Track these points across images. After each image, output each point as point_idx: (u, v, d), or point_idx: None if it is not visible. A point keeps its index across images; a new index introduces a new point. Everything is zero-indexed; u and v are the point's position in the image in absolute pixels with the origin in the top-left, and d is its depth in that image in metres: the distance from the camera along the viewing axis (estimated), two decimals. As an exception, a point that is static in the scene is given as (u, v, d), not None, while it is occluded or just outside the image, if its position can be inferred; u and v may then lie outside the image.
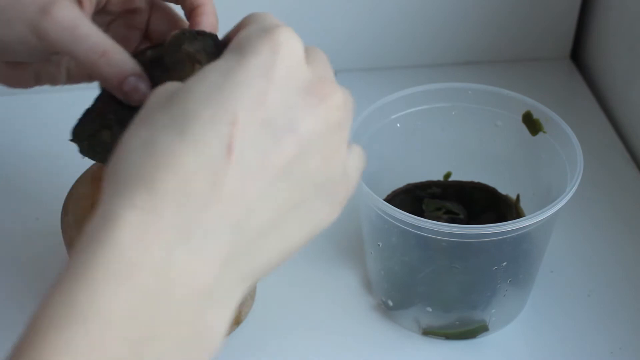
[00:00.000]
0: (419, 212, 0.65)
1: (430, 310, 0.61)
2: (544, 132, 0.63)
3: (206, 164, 0.34)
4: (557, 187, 0.60)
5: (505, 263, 0.58)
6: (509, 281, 0.60)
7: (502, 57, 0.90)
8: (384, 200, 0.59)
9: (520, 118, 0.65)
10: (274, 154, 0.36)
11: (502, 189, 0.68)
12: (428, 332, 0.63)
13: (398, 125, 0.66)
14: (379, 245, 0.61)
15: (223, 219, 0.34)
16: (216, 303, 0.35)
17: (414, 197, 0.68)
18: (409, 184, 0.69)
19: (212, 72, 0.37)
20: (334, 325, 0.64)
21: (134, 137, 0.36)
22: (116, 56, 0.46)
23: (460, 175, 0.70)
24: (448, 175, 0.70)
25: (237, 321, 0.63)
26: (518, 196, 0.67)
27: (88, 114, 0.50)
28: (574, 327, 0.63)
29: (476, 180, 0.69)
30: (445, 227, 0.55)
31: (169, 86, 0.38)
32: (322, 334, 0.63)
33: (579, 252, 0.69)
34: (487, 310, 0.61)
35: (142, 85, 0.46)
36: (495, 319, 0.62)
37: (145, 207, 0.33)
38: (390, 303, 0.63)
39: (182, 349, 0.34)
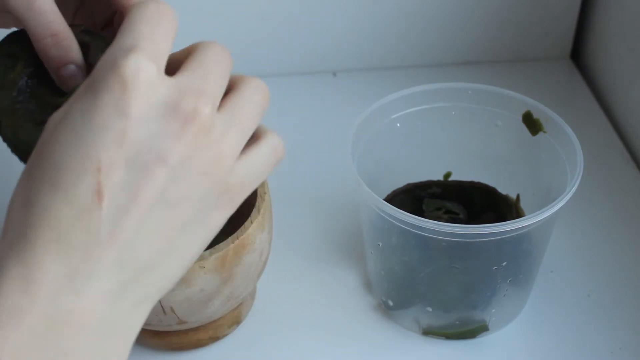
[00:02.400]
0: (419, 212, 0.65)
1: (430, 310, 0.61)
2: (544, 132, 0.63)
3: (80, 214, 0.36)
4: (557, 187, 0.60)
5: (505, 263, 0.58)
6: (509, 281, 0.60)
7: (502, 57, 0.90)
8: (384, 200, 0.59)
9: (520, 118, 0.65)
10: (144, 187, 0.36)
11: (502, 189, 0.68)
12: (428, 332, 0.63)
13: (398, 125, 0.66)
14: (379, 245, 0.61)
15: (103, 261, 0.36)
16: (114, 331, 0.37)
17: (414, 197, 0.68)
18: (409, 184, 0.69)
19: (71, 116, 0.37)
20: (334, 325, 0.64)
21: (18, 195, 0.38)
22: (65, 41, 0.46)
23: (460, 175, 0.70)
24: (448, 175, 0.70)
25: (237, 321, 0.63)
26: (518, 196, 0.67)
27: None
28: (574, 327, 0.63)
29: (476, 180, 0.69)
30: (445, 227, 0.55)
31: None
32: (322, 334, 0.63)
33: (579, 252, 0.69)
34: (487, 310, 0.61)
35: (79, 76, 0.47)
36: (495, 319, 0.62)
37: (29, 263, 0.36)
38: (390, 303, 0.63)
39: None
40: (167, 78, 0.38)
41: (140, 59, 0.36)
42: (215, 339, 0.62)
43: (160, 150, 0.36)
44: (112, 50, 0.37)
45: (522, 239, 0.58)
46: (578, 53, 0.91)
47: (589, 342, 0.62)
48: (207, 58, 0.40)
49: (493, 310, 0.61)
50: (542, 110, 0.63)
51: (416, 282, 0.61)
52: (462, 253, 0.58)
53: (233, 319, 0.63)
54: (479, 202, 0.68)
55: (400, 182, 0.69)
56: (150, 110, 0.36)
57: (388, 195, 0.68)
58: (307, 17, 0.86)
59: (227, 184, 0.39)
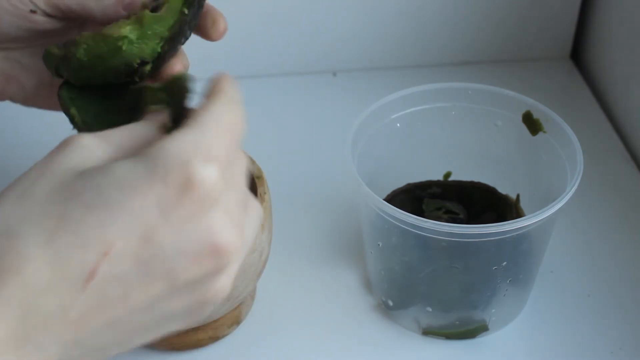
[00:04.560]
0: (419, 212, 0.65)
1: (430, 310, 0.61)
2: (544, 132, 0.63)
3: (60, 285, 0.33)
4: (557, 187, 0.60)
5: (505, 263, 0.58)
6: (509, 281, 0.60)
7: (502, 57, 0.90)
8: (384, 200, 0.59)
9: (520, 118, 0.65)
10: (138, 292, 0.34)
11: (502, 189, 0.68)
12: (428, 332, 0.63)
13: (398, 125, 0.66)
14: (379, 245, 0.61)
15: (61, 338, 0.34)
16: None
17: (414, 197, 0.68)
18: (409, 184, 0.69)
19: (113, 176, 0.34)
20: (334, 325, 0.64)
21: (5, 213, 0.34)
22: None
23: (460, 175, 0.70)
24: (448, 175, 0.70)
25: (237, 321, 0.63)
26: (518, 196, 0.67)
27: None
28: (574, 327, 0.63)
29: (476, 180, 0.69)
30: (445, 227, 0.55)
31: (79, 165, 0.35)
32: (322, 334, 0.63)
33: (579, 252, 0.69)
34: (487, 310, 0.61)
35: None
36: (495, 319, 0.62)
37: None
38: (390, 303, 0.63)
39: None
40: (225, 214, 0.35)
41: (215, 179, 0.34)
42: (215, 339, 0.62)
43: (175, 268, 0.34)
44: (185, 143, 0.35)
45: (522, 239, 0.58)
46: (578, 53, 0.91)
47: (589, 342, 0.62)
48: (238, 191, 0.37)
49: (493, 310, 0.61)
50: (542, 110, 0.63)
51: (416, 282, 0.61)
52: (462, 253, 0.58)
53: (233, 319, 0.63)
54: (479, 202, 0.68)
55: (400, 182, 0.69)
56: (189, 225, 0.34)
57: (388, 195, 0.68)
58: (306, 17, 0.86)
59: (207, 306, 0.38)
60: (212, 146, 0.35)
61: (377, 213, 0.58)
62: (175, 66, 0.51)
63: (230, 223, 0.35)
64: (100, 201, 0.33)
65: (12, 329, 0.32)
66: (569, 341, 0.62)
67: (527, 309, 0.64)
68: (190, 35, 0.52)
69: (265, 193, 0.58)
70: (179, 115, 0.41)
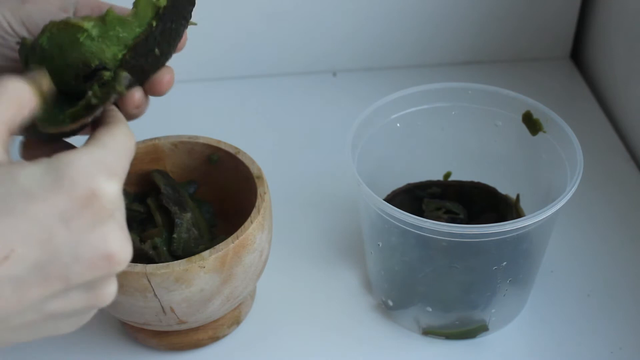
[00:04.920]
0: (419, 212, 0.65)
1: (430, 310, 0.61)
2: (544, 132, 0.63)
3: None
4: (557, 187, 0.60)
5: (505, 263, 0.58)
6: (509, 281, 0.60)
7: (502, 57, 0.90)
8: (384, 200, 0.59)
9: (520, 118, 0.65)
10: (32, 291, 0.36)
11: (502, 189, 0.68)
12: (428, 332, 0.63)
13: (398, 125, 0.66)
14: (379, 245, 0.61)
15: None
16: None
17: (414, 197, 0.68)
18: (409, 184, 0.69)
19: (20, 181, 0.35)
20: (334, 325, 0.64)
21: None
22: None
23: (460, 175, 0.70)
24: (448, 175, 0.70)
25: (237, 321, 0.63)
26: (518, 196, 0.67)
27: None
28: (574, 327, 0.63)
29: (476, 180, 0.69)
30: (445, 227, 0.55)
31: None
32: (322, 334, 0.63)
33: (579, 252, 0.69)
34: (487, 310, 0.61)
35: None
36: (495, 319, 0.62)
37: None
38: (390, 303, 0.63)
39: None
40: (119, 227, 0.38)
41: (116, 194, 0.37)
42: (215, 339, 0.62)
43: (70, 272, 0.36)
44: (91, 158, 0.37)
45: (522, 239, 0.58)
46: (578, 53, 0.91)
47: (589, 342, 0.62)
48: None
49: (493, 310, 0.61)
50: (542, 110, 0.63)
51: (416, 282, 0.61)
52: (462, 253, 0.58)
53: (233, 319, 0.63)
54: (479, 202, 0.68)
55: (400, 182, 0.69)
56: (93, 237, 0.37)
57: (388, 195, 0.68)
58: (307, 17, 0.86)
59: (100, 307, 0.40)
60: (115, 164, 0.38)
61: (377, 213, 0.58)
62: (164, 75, 0.50)
63: (124, 236, 0.38)
64: (4, 208, 0.35)
65: None
66: (569, 341, 0.62)
67: (527, 309, 0.64)
68: (165, 55, 0.49)
69: (265, 193, 0.58)
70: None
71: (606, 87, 0.85)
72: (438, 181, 0.70)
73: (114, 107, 0.46)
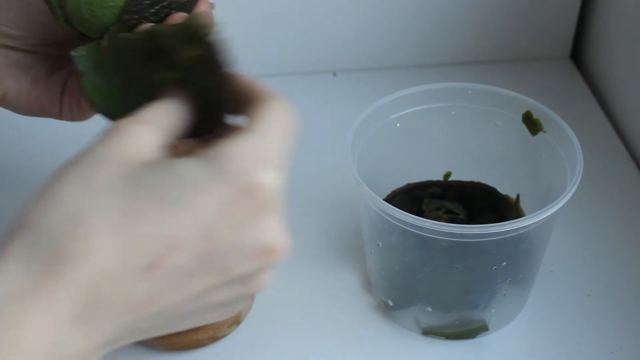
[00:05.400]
0: (419, 212, 0.65)
1: (430, 310, 0.61)
2: (544, 132, 0.63)
3: (125, 274, 0.35)
4: (557, 187, 0.60)
5: (505, 263, 0.58)
6: (509, 281, 0.60)
7: (502, 57, 0.90)
8: (384, 200, 0.59)
9: (520, 118, 0.65)
10: (195, 283, 0.36)
11: (502, 189, 0.68)
12: (428, 332, 0.63)
13: (398, 125, 0.66)
14: (379, 245, 0.61)
15: (118, 322, 0.36)
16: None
17: (414, 197, 0.68)
18: (409, 184, 0.69)
19: (181, 173, 0.36)
20: (334, 325, 0.64)
21: (72, 198, 0.35)
22: None
23: (460, 175, 0.70)
24: (448, 175, 0.70)
25: (237, 321, 0.63)
26: (518, 196, 0.67)
27: None
28: (574, 327, 0.63)
29: (476, 180, 0.69)
30: (445, 227, 0.55)
31: (137, 155, 0.37)
32: (322, 334, 0.63)
33: (579, 252, 0.69)
34: (487, 310, 0.61)
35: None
36: (495, 319, 0.62)
37: (49, 290, 0.34)
38: (390, 303, 0.63)
39: None
40: (278, 218, 0.39)
41: (274, 184, 0.38)
42: (215, 339, 0.62)
43: (230, 264, 0.37)
44: (249, 149, 0.37)
45: (522, 239, 0.58)
46: (578, 53, 0.91)
47: (589, 342, 0.62)
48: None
49: (493, 310, 0.61)
50: (542, 110, 0.63)
51: (416, 282, 0.61)
52: (462, 253, 0.58)
53: (233, 319, 0.63)
54: (479, 202, 0.68)
55: (400, 182, 0.69)
56: (252, 228, 0.37)
57: (388, 195, 0.68)
58: (307, 17, 0.86)
59: (243, 301, 0.40)
60: (273, 153, 0.38)
61: (377, 213, 0.58)
62: (199, 6, 0.50)
63: (283, 227, 0.39)
64: (168, 198, 0.35)
65: (76, 311, 0.34)
66: (569, 341, 0.62)
67: (527, 309, 0.64)
68: None
69: (265, 193, 0.58)
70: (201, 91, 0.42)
71: (606, 87, 0.85)
72: (438, 181, 0.70)
73: (256, 81, 0.44)
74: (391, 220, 0.57)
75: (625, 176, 0.76)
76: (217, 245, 0.36)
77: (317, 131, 0.82)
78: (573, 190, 0.57)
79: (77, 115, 0.55)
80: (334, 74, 0.89)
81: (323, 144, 0.80)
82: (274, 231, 0.38)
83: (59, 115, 0.55)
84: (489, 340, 0.63)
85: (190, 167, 0.36)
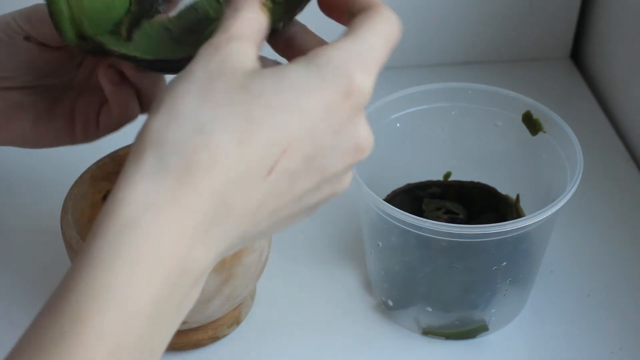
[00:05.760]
0: (419, 212, 0.65)
1: (430, 310, 0.61)
2: (544, 132, 0.63)
3: (247, 179, 0.37)
4: (557, 187, 0.60)
5: (505, 263, 0.58)
6: (509, 281, 0.60)
7: (502, 57, 0.90)
8: (384, 200, 0.59)
9: (520, 118, 0.65)
10: (299, 184, 0.38)
11: (502, 189, 0.68)
12: (428, 332, 0.63)
13: (398, 125, 0.66)
14: (379, 245, 0.61)
15: (238, 227, 0.38)
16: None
17: (414, 197, 0.68)
18: (409, 184, 0.69)
19: (289, 78, 0.38)
20: (334, 325, 0.64)
21: (193, 112, 0.37)
22: None
23: (460, 175, 0.70)
24: (448, 175, 0.70)
25: (237, 321, 0.63)
26: (518, 196, 0.67)
27: None
28: (573, 327, 0.63)
29: (476, 180, 0.69)
30: (445, 227, 0.55)
31: (243, 66, 0.38)
32: (322, 334, 0.63)
33: (579, 252, 0.69)
34: (487, 310, 0.61)
35: None
36: (495, 319, 0.62)
37: (183, 200, 0.36)
38: (390, 303, 0.63)
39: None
40: (365, 118, 0.40)
41: (370, 88, 0.40)
42: (215, 339, 0.62)
43: (328, 163, 0.39)
44: (349, 53, 0.39)
45: (522, 239, 0.58)
46: (578, 53, 0.91)
47: (589, 342, 0.62)
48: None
49: (493, 310, 0.61)
50: (542, 110, 0.63)
51: (416, 282, 0.61)
52: (462, 253, 0.58)
53: (233, 319, 0.63)
54: (479, 202, 0.68)
55: (400, 182, 0.69)
56: (349, 128, 0.39)
57: (388, 195, 0.68)
58: (306, 17, 0.86)
59: (337, 195, 0.42)
60: (372, 58, 0.40)
61: (377, 213, 0.58)
62: None
63: (369, 127, 0.40)
64: (279, 103, 0.37)
65: (207, 217, 0.36)
66: (569, 341, 0.62)
67: (527, 309, 0.64)
68: None
69: (265, 193, 0.58)
70: None
71: (606, 87, 0.85)
72: (438, 181, 0.70)
73: None
74: (391, 220, 0.57)
75: (625, 176, 0.76)
76: (321, 146, 0.38)
77: (317, 131, 0.82)
78: (573, 190, 0.57)
79: (92, 134, 0.55)
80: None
81: (323, 144, 0.80)
82: (365, 130, 0.40)
83: (73, 140, 0.55)
84: (489, 340, 0.63)
85: (297, 72, 0.38)
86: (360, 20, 0.41)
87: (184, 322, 0.57)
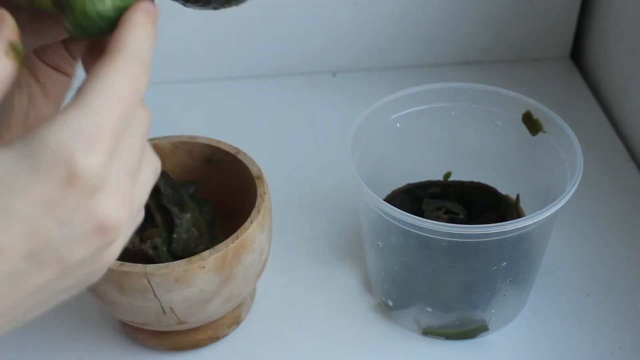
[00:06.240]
0: (419, 212, 0.65)
1: (430, 310, 0.61)
2: (544, 132, 0.63)
3: None
4: (557, 187, 0.60)
5: (505, 263, 0.58)
6: (509, 281, 0.60)
7: (502, 57, 0.90)
8: (384, 200, 0.59)
9: (520, 118, 0.65)
10: (29, 281, 0.34)
11: (502, 189, 0.68)
12: (428, 332, 0.63)
13: (398, 125, 0.66)
14: (379, 245, 0.61)
15: None
16: None
17: (414, 197, 0.68)
18: (409, 184, 0.69)
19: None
20: (334, 325, 0.64)
21: None
22: None
23: (460, 175, 0.70)
24: (448, 175, 0.70)
25: (237, 321, 0.63)
26: (518, 196, 0.67)
27: None
28: (573, 327, 0.63)
29: (476, 180, 0.69)
30: (445, 227, 0.55)
31: None
32: (322, 334, 0.63)
33: (579, 252, 0.69)
34: (487, 310, 0.61)
35: None
36: (495, 319, 0.62)
37: None
38: (390, 303, 0.63)
39: None
40: (110, 194, 0.35)
41: (99, 166, 0.33)
42: (215, 339, 0.62)
43: (64, 254, 0.34)
44: (69, 129, 0.33)
45: (522, 239, 0.58)
46: (578, 53, 0.91)
47: (589, 342, 0.62)
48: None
49: (493, 310, 0.61)
50: (542, 110, 0.63)
51: (416, 282, 0.61)
52: (462, 253, 0.58)
53: (233, 319, 0.63)
54: (479, 202, 0.68)
55: (400, 182, 0.69)
56: (76, 215, 0.34)
57: (388, 195, 0.68)
58: (307, 17, 0.86)
59: (103, 271, 0.38)
60: (98, 130, 0.33)
61: (377, 213, 0.58)
62: None
63: (117, 201, 0.35)
64: None
65: None
66: (569, 341, 0.62)
67: (527, 309, 0.64)
68: None
69: (265, 193, 0.58)
70: None
71: (606, 87, 0.85)
72: (438, 181, 0.70)
73: (123, 32, 0.37)
74: (391, 220, 0.57)
75: (625, 176, 0.76)
76: (46, 241, 0.33)
77: (317, 131, 0.82)
78: (573, 190, 0.57)
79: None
80: (334, 74, 0.90)
81: (323, 144, 0.80)
82: (104, 211, 0.34)
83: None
84: (489, 340, 0.63)
85: (6, 164, 0.32)
86: (89, 78, 0.35)
87: (183, 322, 0.57)
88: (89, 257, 0.35)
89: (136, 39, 0.36)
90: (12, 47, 0.35)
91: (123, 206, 0.35)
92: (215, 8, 0.43)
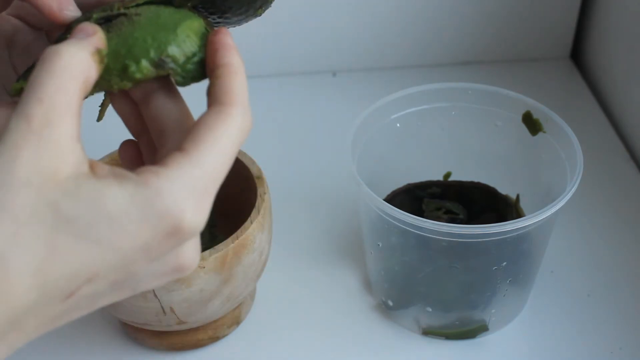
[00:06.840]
0: (419, 212, 0.65)
1: (430, 310, 0.61)
2: (544, 132, 0.63)
3: (42, 304, 0.34)
4: (557, 187, 0.60)
5: (505, 263, 0.58)
6: (509, 281, 0.60)
7: (502, 57, 0.90)
8: (384, 200, 0.59)
9: (520, 118, 0.65)
10: (105, 299, 0.36)
11: (502, 189, 0.68)
12: (428, 332, 0.63)
13: (398, 125, 0.66)
14: (379, 245, 0.61)
15: (30, 335, 0.35)
16: None
17: (414, 197, 0.68)
18: (409, 184, 0.69)
19: (108, 210, 0.34)
20: (334, 325, 0.64)
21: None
22: None
23: (460, 175, 0.70)
24: (448, 175, 0.70)
25: (237, 321, 0.63)
26: (518, 196, 0.67)
27: None
28: (574, 327, 0.63)
29: (476, 180, 0.69)
30: (445, 227, 0.55)
31: (56, 174, 0.34)
32: (322, 334, 0.63)
33: (579, 252, 0.69)
34: (487, 310, 0.61)
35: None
36: (495, 319, 0.62)
37: None
38: (390, 303, 0.63)
39: None
40: (195, 241, 0.38)
41: (201, 222, 0.35)
42: (215, 339, 0.62)
43: (143, 284, 0.37)
44: (183, 187, 0.35)
45: (522, 239, 0.58)
46: (578, 53, 0.91)
47: (589, 342, 0.62)
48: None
49: (493, 310, 0.61)
50: (542, 110, 0.63)
51: (416, 282, 0.61)
52: (462, 253, 0.58)
53: (233, 319, 0.63)
54: (479, 202, 0.68)
55: (400, 182, 0.69)
56: (170, 256, 0.36)
57: (388, 196, 0.68)
58: (306, 17, 0.86)
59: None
60: (210, 190, 0.36)
61: (377, 213, 0.58)
62: None
63: (197, 245, 0.38)
64: (90, 235, 0.34)
65: None
66: (569, 341, 0.62)
67: (527, 309, 0.64)
68: None
69: (265, 193, 0.58)
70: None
71: (606, 87, 0.85)
72: (438, 181, 0.70)
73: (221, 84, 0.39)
74: (391, 220, 0.57)
75: (625, 176, 0.76)
76: (133, 274, 0.36)
77: (317, 131, 0.82)
78: (573, 190, 0.57)
79: None
80: (334, 74, 0.90)
81: (323, 144, 0.80)
82: (190, 252, 0.37)
83: None
84: (489, 340, 0.63)
85: (118, 204, 0.34)
86: (201, 127, 0.36)
87: (183, 322, 0.57)
88: (154, 286, 0.38)
89: (239, 85, 0.38)
90: (98, 52, 0.37)
91: (199, 250, 0.38)
92: (247, 17, 0.45)
